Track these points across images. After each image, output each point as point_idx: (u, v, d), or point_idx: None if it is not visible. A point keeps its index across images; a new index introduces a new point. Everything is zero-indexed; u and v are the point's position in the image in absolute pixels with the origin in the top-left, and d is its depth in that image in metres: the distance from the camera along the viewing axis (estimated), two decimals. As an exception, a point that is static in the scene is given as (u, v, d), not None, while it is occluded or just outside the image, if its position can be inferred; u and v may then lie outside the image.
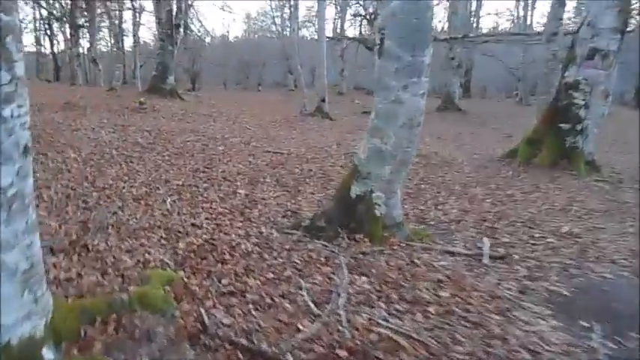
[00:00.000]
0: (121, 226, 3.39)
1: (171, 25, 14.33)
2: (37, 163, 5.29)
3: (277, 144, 8.11)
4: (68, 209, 3.69)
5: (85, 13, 24.11)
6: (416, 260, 3.12)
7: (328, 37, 28.71)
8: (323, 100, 14.73)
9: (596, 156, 7.19)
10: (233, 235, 3.38)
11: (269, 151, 7.10)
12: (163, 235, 3.28)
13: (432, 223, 4.14)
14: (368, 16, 26.46)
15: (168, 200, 4.13)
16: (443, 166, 6.84)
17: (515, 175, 6.41)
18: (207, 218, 3.76)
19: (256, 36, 46.73)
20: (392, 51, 3.23)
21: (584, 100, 6.79)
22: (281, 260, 2.99)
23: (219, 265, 2.84)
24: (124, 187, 4.38)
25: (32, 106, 7.22)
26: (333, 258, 3.07)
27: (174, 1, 15.61)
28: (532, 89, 28.50)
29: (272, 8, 43.02)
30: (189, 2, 24.13)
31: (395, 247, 3.33)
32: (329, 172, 5.92)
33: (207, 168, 5.59)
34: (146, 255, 2.89)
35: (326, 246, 3.25)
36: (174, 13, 17.23)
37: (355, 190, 3.48)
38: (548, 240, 3.73)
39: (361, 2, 25.18)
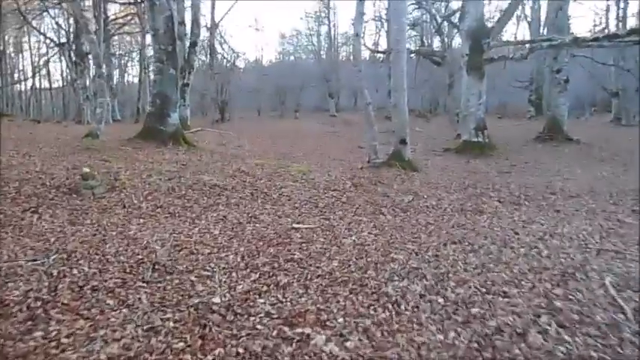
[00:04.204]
0: None
1: (173, 38, 9.59)
2: None
3: (375, 315, 2.91)
4: None
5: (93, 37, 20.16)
6: None
7: (382, 52, 23.33)
8: (403, 142, 9.51)
9: None
10: None
11: None
12: None
13: None
14: (438, 20, 20.95)
15: None
16: None
17: None
18: None
19: (292, 57, 42.79)
20: None
21: None
22: None
23: None
24: None
25: None
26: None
27: (176, 3, 10.92)
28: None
29: (309, 27, 38.82)
30: (216, 22, 19.86)
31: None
32: None
33: None
34: None
35: None
36: (185, 26, 12.67)
37: None
38: None
39: (425, 5, 19.81)
